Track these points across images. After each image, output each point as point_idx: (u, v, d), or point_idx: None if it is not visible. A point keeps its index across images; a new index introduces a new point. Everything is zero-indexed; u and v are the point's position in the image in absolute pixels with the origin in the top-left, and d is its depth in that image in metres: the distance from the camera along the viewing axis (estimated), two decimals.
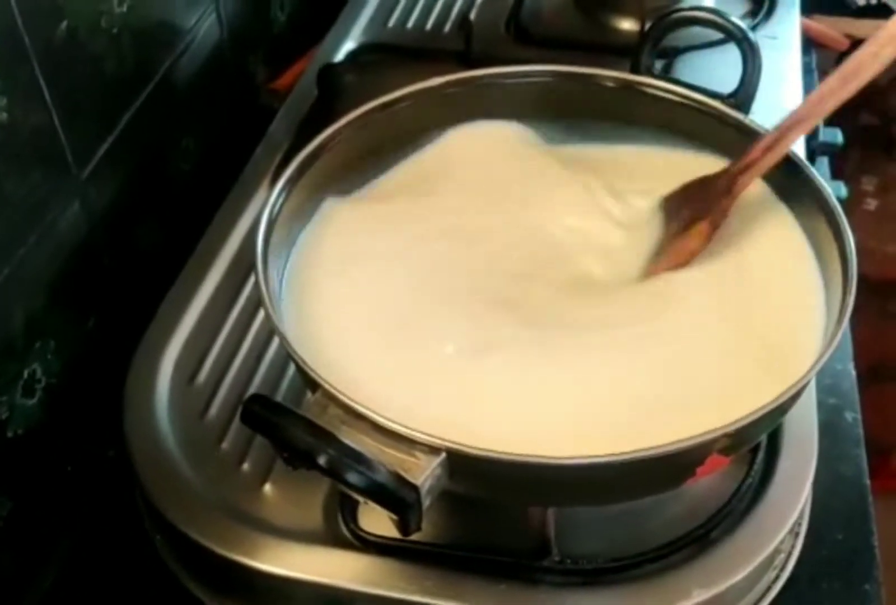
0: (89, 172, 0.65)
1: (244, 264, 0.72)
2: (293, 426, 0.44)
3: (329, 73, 0.83)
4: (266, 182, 0.77)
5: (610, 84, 0.63)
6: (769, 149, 0.57)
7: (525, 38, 0.90)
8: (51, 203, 0.62)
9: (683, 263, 0.58)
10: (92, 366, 0.69)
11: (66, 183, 0.63)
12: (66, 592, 0.63)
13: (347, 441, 0.43)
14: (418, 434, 0.45)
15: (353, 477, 0.42)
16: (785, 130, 0.57)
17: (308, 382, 0.48)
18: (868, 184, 1.31)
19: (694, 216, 0.59)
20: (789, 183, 0.59)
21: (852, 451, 0.68)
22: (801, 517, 0.61)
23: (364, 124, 0.60)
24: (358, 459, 0.42)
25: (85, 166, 0.65)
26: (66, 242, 0.64)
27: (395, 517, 0.44)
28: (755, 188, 0.60)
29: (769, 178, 0.60)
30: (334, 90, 0.81)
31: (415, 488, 0.43)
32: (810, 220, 0.58)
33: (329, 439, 0.43)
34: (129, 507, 0.64)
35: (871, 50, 0.54)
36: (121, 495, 0.65)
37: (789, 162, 0.58)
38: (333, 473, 0.43)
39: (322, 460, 0.42)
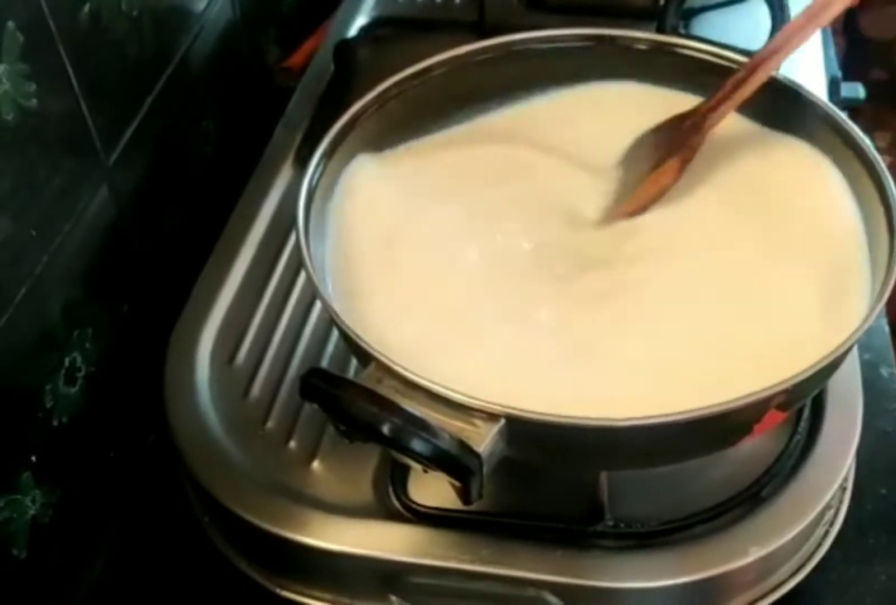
0: (116, 156, 0.65)
1: (274, 243, 0.72)
2: (355, 397, 0.43)
3: (345, 48, 0.83)
4: (289, 161, 0.77)
5: (643, 46, 0.62)
6: (738, 86, 0.59)
7: (538, 4, 0.89)
8: (81, 190, 0.62)
9: (655, 198, 0.60)
10: (129, 352, 0.69)
11: (95, 169, 0.63)
12: (117, 576, 0.64)
13: (410, 409, 0.43)
14: (477, 401, 0.44)
15: (417, 445, 0.42)
16: (752, 67, 0.59)
17: (361, 355, 0.48)
18: (881, 140, 1.30)
19: (664, 154, 0.60)
20: (831, 140, 0.59)
21: (890, 406, 0.68)
22: (849, 470, 0.61)
23: (397, 93, 0.60)
24: (422, 426, 0.42)
25: (112, 151, 0.65)
26: (97, 229, 0.64)
27: (458, 484, 0.44)
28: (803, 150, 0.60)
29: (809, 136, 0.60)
30: (351, 66, 0.81)
31: (477, 456, 0.43)
32: (852, 173, 0.58)
33: (392, 408, 0.43)
34: (174, 490, 0.64)
35: None
36: (164, 479, 0.65)
37: (831, 120, 0.58)
38: (397, 441, 0.43)
39: (386, 429, 0.42)
